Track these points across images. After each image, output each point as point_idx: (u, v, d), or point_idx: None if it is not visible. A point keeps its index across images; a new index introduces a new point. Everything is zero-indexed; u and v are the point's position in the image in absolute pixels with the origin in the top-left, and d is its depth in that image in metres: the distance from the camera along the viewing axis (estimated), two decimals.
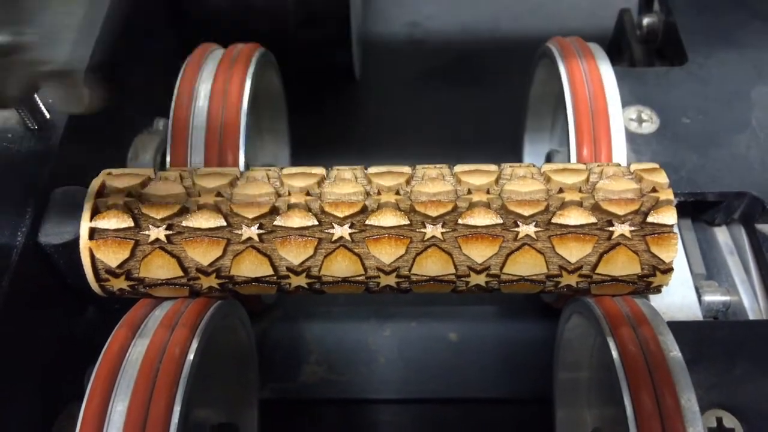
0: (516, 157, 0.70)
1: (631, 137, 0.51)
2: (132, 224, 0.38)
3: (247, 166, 0.50)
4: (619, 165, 0.42)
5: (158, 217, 0.39)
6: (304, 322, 0.63)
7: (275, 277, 0.39)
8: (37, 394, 0.42)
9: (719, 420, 0.38)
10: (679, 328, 0.39)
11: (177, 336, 0.38)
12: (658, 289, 0.41)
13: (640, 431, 0.34)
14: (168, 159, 0.50)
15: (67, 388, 0.44)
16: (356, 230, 0.39)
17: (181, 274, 0.39)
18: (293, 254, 0.38)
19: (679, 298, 0.48)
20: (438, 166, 0.42)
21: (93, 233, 0.38)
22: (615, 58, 0.69)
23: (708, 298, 0.48)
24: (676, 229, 0.38)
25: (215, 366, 0.49)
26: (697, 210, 0.54)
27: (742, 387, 0.39)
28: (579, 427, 0.51)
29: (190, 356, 0.37)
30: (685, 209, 0.53)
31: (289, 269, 0.39)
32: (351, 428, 0.59)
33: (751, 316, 0.48)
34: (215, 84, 0.52)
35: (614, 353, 0.37)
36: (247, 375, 0.53)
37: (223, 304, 0.42)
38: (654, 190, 0.39)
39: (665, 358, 0.36)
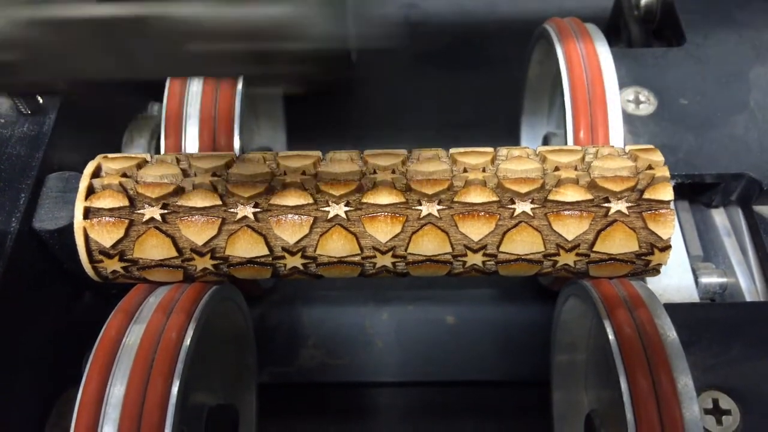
0: (514, 140, 0.69)
1: (629, 119, 0.51)
2: (127, 204, 0.38)
3: (243, 151, 0.50)
4: (614, 147, 0.42)
5: (153, 196, 0.38)
6: (302, 306, 0.63)
7: (270, 258, 0.39)
8: (35, 379, 0.42)
9: (715, 401, 0.38)
10: (675, 310, 0.39)
11: (173, 321, 0.38)
12: (656, 270, 0.40)
13: (636, 413, 0.34)
14: (162, 144, 0.50)
15: (66, 372, 0.44)
16: (352, 208, 0.38)
17: (175, 254, 0.39)
18: (288, 233, 0.38)
19: (676, 280, 0.48)
20: (434, 149, 0.41)
21: (88, 213, 0.38)
22: (612, 39, 0.69)
23: (705, 280, 0.48)
24: (672, 206, 0.38)
25: (213, 350, 0.49)
26: (695, 192, 0.54)
27: (739, 369, 0.39)
28: (576, 409, 0.52)
29: (187, 341, 0.37)
30: (682, 191, 0.53)
31: (284, 249, 0.39)
32: (349, 411, 0.59)
33: (748, 298, 0.48)
34: None
35: (610, 335, 0.37)
36: (246, 359, 0.53)
37: (220, 289, 0.42)
38: (650, 167, 0.39)
39: (662, 340, 0.36)
